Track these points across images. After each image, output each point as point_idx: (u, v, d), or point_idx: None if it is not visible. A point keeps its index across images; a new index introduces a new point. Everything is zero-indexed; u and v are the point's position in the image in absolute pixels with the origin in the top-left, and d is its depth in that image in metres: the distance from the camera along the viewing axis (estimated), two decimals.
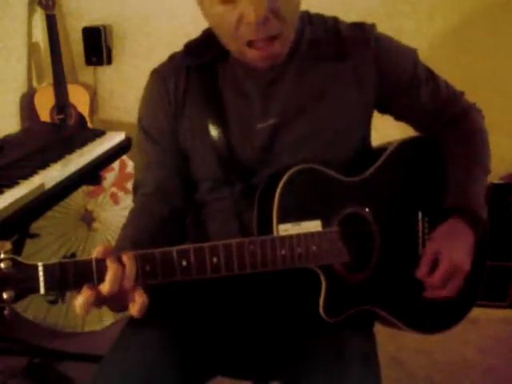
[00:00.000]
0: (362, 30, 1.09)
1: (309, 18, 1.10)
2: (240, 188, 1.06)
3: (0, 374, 1.86)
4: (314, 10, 1.13)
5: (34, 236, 2.04)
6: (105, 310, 0.87)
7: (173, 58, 1.13)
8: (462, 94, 1.19)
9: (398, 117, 1.19)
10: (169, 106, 1.09)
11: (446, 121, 1.16)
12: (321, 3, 1.07)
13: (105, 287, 0.80)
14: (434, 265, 1.03)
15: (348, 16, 1.12)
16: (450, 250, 1.02)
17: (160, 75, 1.11)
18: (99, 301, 0.81)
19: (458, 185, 1.09)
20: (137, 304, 0.83)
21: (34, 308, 2.10)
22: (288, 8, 0.96)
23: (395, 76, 1.10)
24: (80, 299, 0.79)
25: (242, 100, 1.07)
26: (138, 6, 2.27)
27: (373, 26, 1.10)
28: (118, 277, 0.80)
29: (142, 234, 1.01)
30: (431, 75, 1.15)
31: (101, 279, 0.80)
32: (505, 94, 2.17)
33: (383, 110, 1.17)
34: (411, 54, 1.14)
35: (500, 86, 2.16)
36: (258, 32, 0.94)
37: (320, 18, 1.11)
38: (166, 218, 1.08)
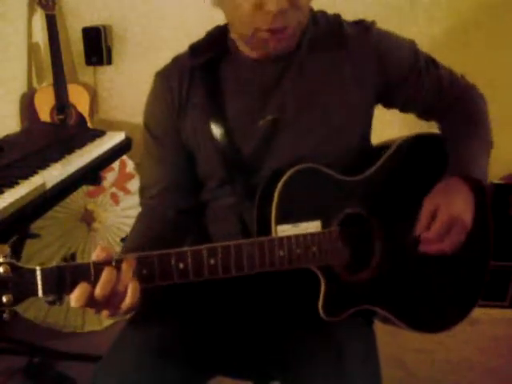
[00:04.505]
0: (362, 26, 1.10)
1: (311, 15, 1.10)
2: (241, 187, 1.06)
3: (0, 374, 1.86)
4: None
5: (34, 236, 2.04)
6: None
7: (176, 59, 1.14)
8: (462, 77, 1.20)
9: (403, 108, 1.19)
10: (172, 105, 1.09)
11: (448, 104, 1.16)
12: (320, 2, 1.07)
13: (96, 290, 0.79)
14: (433, 219, 1.01)
15: (346, 16, 1.12)
16: (449, 203, 1.01)
17: (163, 76, 1.12)
18: (95, 303, 0.81)
19: (457, 156, 1.09)
20: (130, 292, 0.81)
21: (34, 308, 2.10)
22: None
23: (397, 69, 1.10)
24: (75, 292, 0.79)
25: (244, 97, 1.07)
26: (138, 6, 2.27)
27: (373, 23, 1.11)
28: (110, 280, 0.80)
29: (146, 239, 1.01)
30: (432, 63, 1.15)
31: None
32: (505, 93, 2.17)
33: (388, 104, 1.17)
34: (410, 45, 1.15)
35: (500, 85, 2.16)
36: (275, 21, 0.94)
37: (322, 15, 1.12)
38: (171, 220, 1.09)
